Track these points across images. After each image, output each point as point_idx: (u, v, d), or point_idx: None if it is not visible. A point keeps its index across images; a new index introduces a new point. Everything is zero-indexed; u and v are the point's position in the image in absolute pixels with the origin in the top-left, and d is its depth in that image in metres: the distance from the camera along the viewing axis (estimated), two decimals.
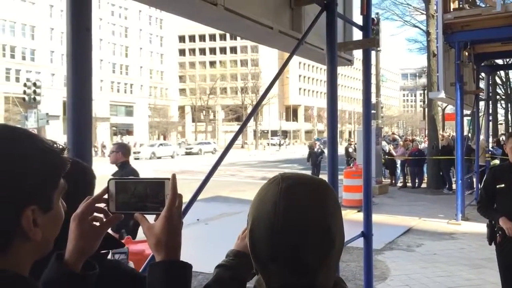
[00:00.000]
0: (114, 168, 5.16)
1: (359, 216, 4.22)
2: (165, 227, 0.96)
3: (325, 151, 16.37)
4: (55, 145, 0.80)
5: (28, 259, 0.77)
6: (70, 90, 1.64)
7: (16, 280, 0.73)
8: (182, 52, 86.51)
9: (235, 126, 65.92)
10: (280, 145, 61.60)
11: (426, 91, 19.54)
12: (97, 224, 1.00)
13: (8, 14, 50.88)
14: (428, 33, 15.37)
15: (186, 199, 2.51)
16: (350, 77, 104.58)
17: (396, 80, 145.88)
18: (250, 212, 0.90)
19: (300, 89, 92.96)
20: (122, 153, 5.18)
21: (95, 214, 1.00)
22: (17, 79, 50.29)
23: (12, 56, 53.14)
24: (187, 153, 46.26)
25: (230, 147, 2.95)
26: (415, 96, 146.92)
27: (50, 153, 0.78)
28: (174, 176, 0.99)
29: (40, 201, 0.76)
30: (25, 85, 25.19)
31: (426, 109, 18.64)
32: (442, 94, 9.57)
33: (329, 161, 3.60)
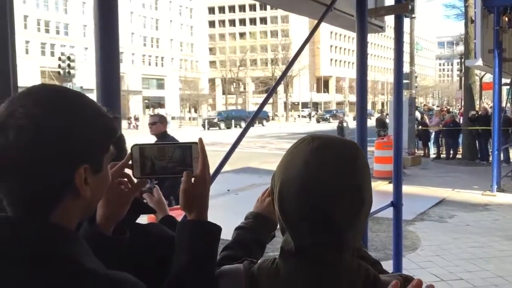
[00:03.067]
0: (153, 139, 5.29)
1: (390, 187, 4.21)
2: (199, 187, 0.99)
3: (345, 122, 16.21)
4: (109, 111, 0.84)
5: (75, 216, 0.81)
6: (98, 59, 1.67)
7: (64, 233, 0.77)
8: (212, 24, 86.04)
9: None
10: (310, 117, 60.90)
11: (463, 59, 18.82)
12: (124, 189, 1.02)
13: None
14: None
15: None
16: (383, 46, 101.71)
17: (432, 49, 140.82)
18: (277, 172, 0.91)
19: (331, 59, 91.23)
20: (160, 123, 5.33)
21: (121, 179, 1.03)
22: (52, 53, 51.47)
23: (47, 31, 54.26)
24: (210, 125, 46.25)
25: (256, 117, 2.95)
26: (452, 65, 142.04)
27: (106, 118, 0.82)
28: (201, 139, 1.02)
29: (93, 162, 0.79)
30: (59, 59, 25.78)
31: (463, 78, 18.00)
32: (480, 62, 9.22)
33: (358, 132, 3.56)
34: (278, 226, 0.97)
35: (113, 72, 1.74)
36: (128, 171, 1.03)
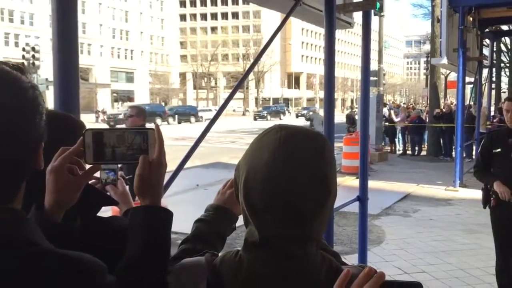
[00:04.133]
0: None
1: (357, 182, 4.29)
2: (155, 173, 0.97)
3: (314, 119, 15.98)
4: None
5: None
6: (55, 50, 1.61)
7: (20, 217, 0.80)
8: (183, 18, 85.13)
9: (237, 94, 65.56)
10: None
11: (429, 58, 19.28)
12: (75, 176, 0.98)
13: None
14: None
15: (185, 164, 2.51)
16: (352, 43, 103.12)
17: (400, 48, 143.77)
18: (242, 162, 0.89)
19: (302, 56, 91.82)
20: (137, 117, 5.13)
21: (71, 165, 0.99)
22: (16, 44, 49.81)
23: (11, 20, 52.43)
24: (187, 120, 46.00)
25: (220, 113, 2.90)
26: (419, 64, 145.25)
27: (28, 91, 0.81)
28: (157, 125, 1.01)
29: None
30: (23, 49, 24.92)
31: (429, 76, 18.45)
32: (445, 60, 9.46)
33: (325, 127, 3.59)
34: (241, 218, 0.95)
35: (71, 67, 1.69)
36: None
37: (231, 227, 1.24)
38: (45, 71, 28.48)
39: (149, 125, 0.99)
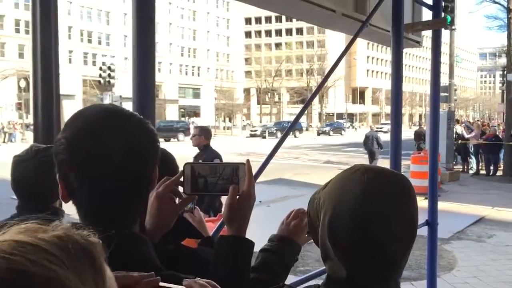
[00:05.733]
0: (194, 149, 5.37)
1: (426, 203, 4.11)
2: (243, 204, 1.05)
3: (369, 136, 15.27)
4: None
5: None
6: (135, 78, 1.73)
7: (147, 241, 0.89)
8: (248, 34, 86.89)
9: (300, 109, 65.45)
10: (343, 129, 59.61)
11: (505, 72, 18.21)
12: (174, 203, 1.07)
13: (85, 0, 53.78)
14: (508, 10, 14.26)
15: None
16: (421, 57, 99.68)
17: (473, 60, 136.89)
18: (327, 200, 0.92)
19: (367, 70, 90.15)
20: (204, 136, 5.36)
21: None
22: (94, 63, 53.28)
23: (89, 41, 56.27)
24: (252, 135, 46.56)
25: (291, 129, 2.97)
26: (494, 77, 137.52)
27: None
28: (248, 161, 1.08)
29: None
30: (100, 68, 26.63)
31: (505, 92, 17.40)
32: None
33: (392, 147, 3.51)
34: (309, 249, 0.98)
35: (149, 82, 1.80)
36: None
37: (295, 258, 1.26)
38: (119, 89, 30.27)
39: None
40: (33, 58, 2.19)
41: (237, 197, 1.05)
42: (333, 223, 0.88)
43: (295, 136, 41.96)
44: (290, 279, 2.79)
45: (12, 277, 0.39)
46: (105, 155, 0.82)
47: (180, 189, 1.07)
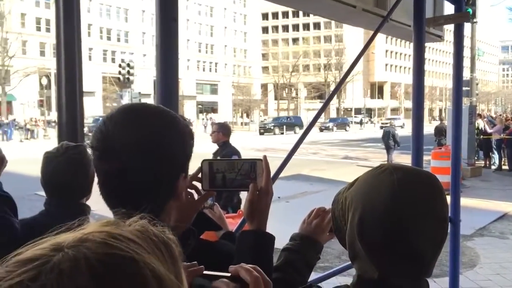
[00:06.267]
0: (213, 146, 5.41)
1: (448, 199, 4.08)
2: (262, 200, 1.07)
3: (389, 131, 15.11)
4: (185, 120, 0.96)
5: (172, 218, 0.95)
6: (159, 78, 1.75)
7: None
8: (265, 30, 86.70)
9: (318, 104, 65.19)
10: (362, 123, 58.46)
11: None
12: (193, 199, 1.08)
13: None
14: None
15: None
16: (441, 50, 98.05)
17: (495, 53, 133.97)
18: (355, 199, 0.92)
19: (386, 65, 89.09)
20: (222, 133, 5.39)
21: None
22: (113, 60, 53.91)
23: (108, 38, 56.92)
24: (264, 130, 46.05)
25: (312, 125, 2.97)
26: None
27: (189, 126, 0.94)
28: (265, 157, 1.10)
29: (185, 169, 0.93)
30: (119, 65, 26.94)
31: None
32: None
33: (414, 142, 3.47)
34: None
35: (172, 82, 1.81)
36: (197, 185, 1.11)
37: (317, 257, 1.26)
38: (138, 85, 30.54)
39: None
40: (57, 56, 2.23)
41: (257, 192, 1.06)
42: (364, 223, 0.88)
43: (295, 133, 40.36)
44: (310, 276, 2.80)
45: (110, 261, 0.43)
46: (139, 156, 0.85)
47: (199, 185, 1.09)
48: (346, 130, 47.58)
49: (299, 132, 40.84)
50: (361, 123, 59.10)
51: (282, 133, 41.46)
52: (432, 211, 0.87)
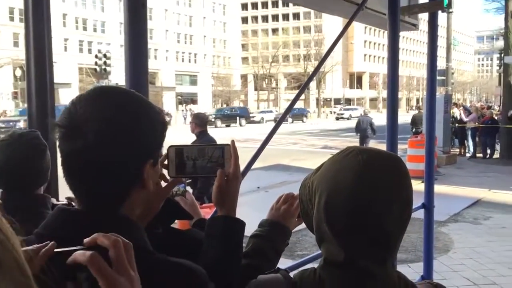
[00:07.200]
0: (193, 136, 5.43)
1: (423, 186, 4.13)
2: (231, 185, 1.06)
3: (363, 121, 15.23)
4: (161, 111, 0.91)
5: (138, 208, 0.89)
6: (127, 66, 1.71)
7: (136, 225, 0.85)
8: (244, 20, 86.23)
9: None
10: (340, 116, 54.45)
11: (502, 55, 18.16)
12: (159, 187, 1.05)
13: None
14: None
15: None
16: (418, 41, 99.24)
17: (470, 43, 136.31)
18: (321, 183, 0.91)
19: (365, 55, 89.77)
20: (196, 123, 5.42)
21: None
22: (89, 51, 52.88)
23: (84, 29, 55.78)
24: (249, 122, 45.97)
25: (286, 114, 2.96)
26: (491, 60, 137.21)
27: (161, 114, 0.89)
28: (233, 142, 1.09)
29: (154, 156, 0.87)
30: (96, 56, 26.48)
31: (502, 75, 17.38)
32: None
33: (388, 131, 3.51)
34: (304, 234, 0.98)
35: (141, 70, 1.78)
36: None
37: (286, 243, 1.27)
38: (116, 76, 30.07)
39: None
40: (26, 46, 2.17)
41: (225, 178, 1.05)
42: (330, 206, 0.88)
43: (241, 125, 38.05)
44: (288, 263, 2.82)
45: None
46: (102, 139, 0.80)
47: (165, 172, 1.06)
48: (303, 121, 44.32)
49: (245, 125, 39.52)
50: (341, 116, 54.58)
51: (228, 126, 38.69)
52: (397, 193, 0.87)
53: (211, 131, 6.04)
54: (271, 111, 53.12)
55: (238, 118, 40.94)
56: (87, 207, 0.83)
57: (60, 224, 0.81)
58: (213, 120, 36.43)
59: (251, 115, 47.13)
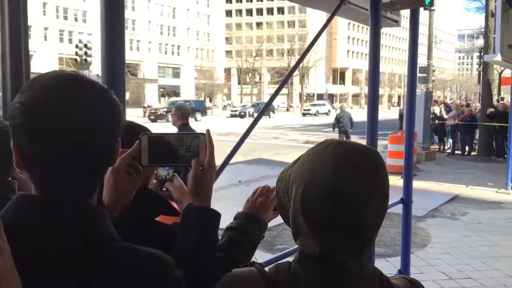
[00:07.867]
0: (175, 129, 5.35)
1: (402, 182, 4.19)
2: (206, 175, 1.04)
3: (343, 116, 15.48)
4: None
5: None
6: (103, 55, 1.67)
7: (102, 212, 0.85)
8: (228, 13, 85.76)
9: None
10: (314, 113, 51.18)
11: (482, 53, 18.48)
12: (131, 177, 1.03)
13: None
14: None
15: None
16: (400, 38, 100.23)
17: (451, 42, 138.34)
18: (298, 175, 0.90)
19: (348, 51, 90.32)
20: (178, 116, 5.32)
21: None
22: (70, 41, 51.94)
23: (65, 18, 54.72)
24: (232, 116, 45.23)
25: (265, 109, 2.96)
26: (471, 58, 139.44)
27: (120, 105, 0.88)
28: (208, 131, 1.07)
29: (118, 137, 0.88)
30: (77, 46, 26.03)
31: (481, 73, 17.69)
32: (498, 57, 9.02)
33: (369, 127, 3.54)
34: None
35: (117, 59, 1.74)
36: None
37: (262, 235, 1.26)
38: (97, 67, 29.58)
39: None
40: (2, 37, 2.12)
41: (200, 168, 1.04)
42: (306, 198, 0.87)
43: (196, 120, 35.17)
44: (267, 257, 2.82)
45: None
46: (62, 122, 0.76)
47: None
48: (269, 117, 41.36)
49: (201, 119, 37.40)
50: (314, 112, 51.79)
51: None
52: (374, 186, 0.87)
53: (162, 126, 5.91)
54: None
55: (194, 112, 36.96)
56: (58, 196, 0.81)
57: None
58: (164, 114, 35.37)
59: (233, 108, 46.39)
